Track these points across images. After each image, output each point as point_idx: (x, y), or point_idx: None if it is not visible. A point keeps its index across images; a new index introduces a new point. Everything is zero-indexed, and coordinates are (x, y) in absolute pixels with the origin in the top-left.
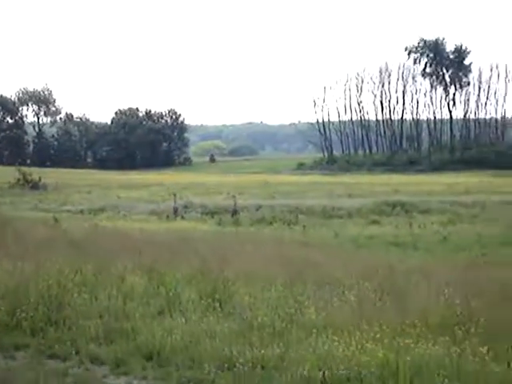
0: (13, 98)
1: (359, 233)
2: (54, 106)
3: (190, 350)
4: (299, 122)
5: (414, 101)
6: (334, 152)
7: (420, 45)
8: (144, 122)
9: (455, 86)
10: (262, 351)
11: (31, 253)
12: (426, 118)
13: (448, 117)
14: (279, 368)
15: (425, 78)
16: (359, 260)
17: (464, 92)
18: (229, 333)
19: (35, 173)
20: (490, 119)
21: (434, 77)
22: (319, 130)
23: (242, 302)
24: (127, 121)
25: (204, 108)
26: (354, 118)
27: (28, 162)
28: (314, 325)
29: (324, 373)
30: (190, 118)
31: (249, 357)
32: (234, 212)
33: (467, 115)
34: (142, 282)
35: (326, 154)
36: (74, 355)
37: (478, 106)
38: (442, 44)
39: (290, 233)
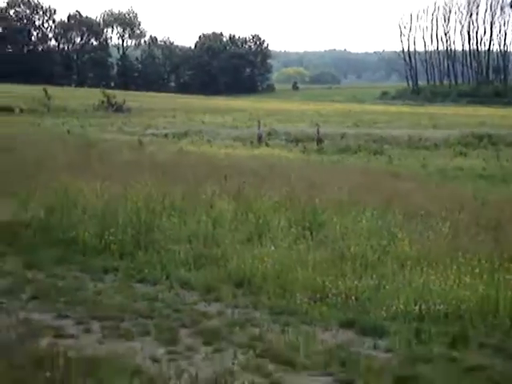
0: (98, 20)
1: (446, 164)
2: (139, 29)
3: (281, 278)
4: (383, 50)
5: (502, 32)
6: (419, 82)
7: None
8: (227, 47)
9: None
10: (356, 282)
11: (118, 175)
12: None
13: None
14: (373, 300)
15: None
16: (449, 192)
17: None
18: (320, 262)
19: (119, 95)
20: None
21: None
22: (404, 59)
23: (334, 230)
24: (211, 45)
25: (286, 34)
26: (440, 48)
27: (112, 84)
28: (408, 257)
29: (421, 307)
30: (272, 44)
31: (342, 288)
32: (319, 140)
33: None
34: (230, 207)
35: (410, 84)
36: (164, 280)
37: None
38: None
39: (375, 162)
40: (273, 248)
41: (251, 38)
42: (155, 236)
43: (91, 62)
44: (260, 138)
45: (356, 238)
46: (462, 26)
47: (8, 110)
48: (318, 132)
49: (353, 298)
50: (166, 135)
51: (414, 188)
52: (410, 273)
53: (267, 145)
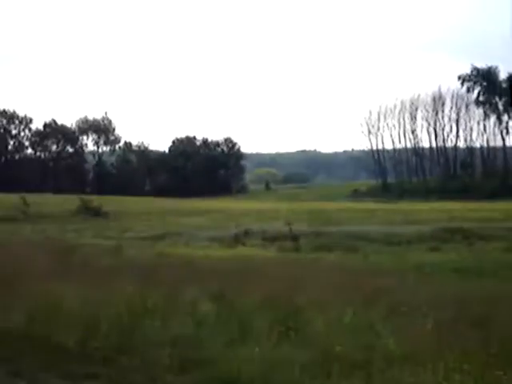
0: (73, 128)
1: (422, 259)
2: (114, 135)
3: (268, 380)
4: (352, 149)
5: (468, 129)
6: (388, 179)
7: (473, 73)
8: (201, 150)
9: (508, 115)
10: (343, 382)
11: (99, 280)
12: (479, 146)
13: (502, 144)
14: None
15: (478, 106)
16: (428, 287)
17: None
18: (306, 362)
19: (96, 200)
20: None
21: (488, 105)
22: (373, 157)
23: (318, 329)
24: (184, 149)
25: (258, 136)
26: (408, 145)
27: (88, 189)
28: (395, 355)
29: None
30: (245, 146)
31: None
32: (294, 238)
33: None
34: (212, 309)
35: (380, 181)
36: None
37: None
38: (495, 72)
39: (352, 260)
40: (257, 349)
41: (224, 141)
42: (139, 340)
43: (67, 168)
44: (237, 238)
45: (341, 336)
46: (429, 124)
47: None
48: (291, 230)
49: None
50: (143, 238)
51: (393, 284)
52: (398, 371)
53: (244, 244)
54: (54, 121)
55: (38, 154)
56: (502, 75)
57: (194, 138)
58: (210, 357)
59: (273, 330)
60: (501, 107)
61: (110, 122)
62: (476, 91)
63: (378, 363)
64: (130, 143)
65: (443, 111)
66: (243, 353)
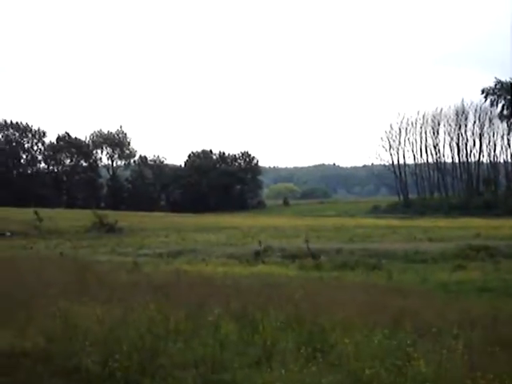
0: (87, 141)
1: (447, 278)
2: (128, 149)
3: None
4: (372, 164)
5: (491, 143)
6: (410, 195)
7: (497, 87)
8: (217, 165)
9: None
10: None
11: (117, 298)
12: (503, 161)
13: None
14: None
15: (502, 120)
16: (456, 307)
17: None
18: None
19: (110, 216)
20: None
21: None
22: (394, 173)
23: (345, 352)
24: (201, 163)
25: (276, 150)
26: (430, 161)
27: (102, 204)
28: (425, 378)
29: None
30: (262, 160)
31: None
32: (314, 256)
33: None
34: (235, 329)
35: (401, 197)
36: None
37: None
38: None
39: (375, 278)
40: (283, 371)
41: (241, 155)
42: (161, 362)
43: (81, 183)
44: (256, 255)
45: (369, 359)
46: (452, 138)
47: None
48: (309, 248)
49: None
50: (160, 255)
51: (420, 304)
52: None
53: (263, 262)
54: (68, 134)
55: (51, 167)
56: None
57: (211, 151)
58: (235, 379)
59: (299, 352)
60: None
61: (124, 135)
62: (500, 105)
63: None
64: (146, 157)
65: (466, 125)
66: (269, 375)
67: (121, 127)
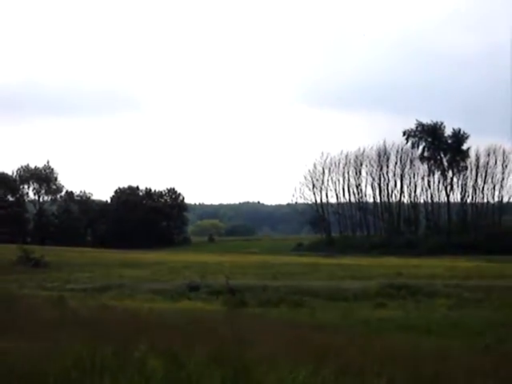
0: (14, 176)
1: (369, 316)
2: (55, 184)
3: None
4: (296, 202)
5: (412, 184)
6: (332, 233)
7: (418, 129)
8: (144, 201)
9: (453, 171)
10: None
11: (43, 333)
12: (423, 201)
13: (445, 200)
14: None
15: (423, 162)
16: (377, 344)
17: (461, 176)
18: None
19: (37, 250)
20: (487, 203)
21: (432, 161)
22: (317, 211)
23: None
24: (127, 199)
25: (202, 187)
26: (352, 200)
27: (28, 239)
28: None
29: None
30: (188, 197)
31: None
32: (232, 292)
33: (464, 199)
34: (160, 365)
35: (324, 235)
36: None
37: (475, 191)
38: (440, 128)
39: (298, 315)
40: None
41: (167, 191)
42: None
43: (7, 217)
44: (181, 291)
45: None
46: (373, 179)
47: None
48: (228, 283)
49: None
50: (85, 290)
51: (343, 341)
52: None
53: (189, 298)
54: None
55: None
56: (448, 131)
57: (137, 187)
58: None
59: None
60: (445, 163)
61: (51, 170)
62: (421, 147)
63: None
64: (72, 192)
65: (388, 166)
66: None
67: (48, 162)
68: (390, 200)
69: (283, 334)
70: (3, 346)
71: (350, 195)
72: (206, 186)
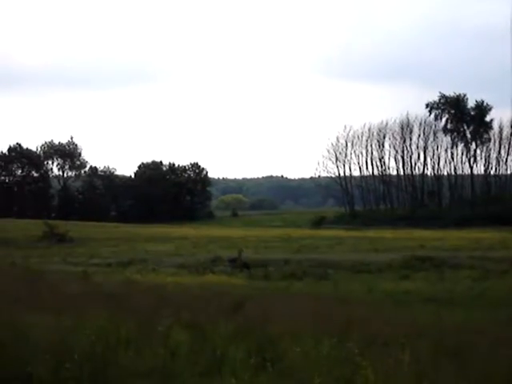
0: (38, 152)
1: (393, 288)
2: (79, 160)
3: None
4: (319, 176)
5: (436, 156)
6: (356, 206)
7: (441, 101)
8: (167, 176)
9: (476, 143)
10: None
11: (68, 307)
12: (447, 174)
13: (469, 172)
14: None
15: (446, 134)
16: (401, 316)
17: (485, 148)
18: None
19: (61, 226)
20: (511, 175)
21: (455, 133)
22: (340, 185)
23: (295, 361)
24: (151, 174)
25: (225, 161)
26: (376, 173)
27: (53, 215)
28: None
29: None
30: (211, 172)
31: None
32: (247, 266)
33: (488, 171)
34: (186, 338)
35: (347, 209)
36: None
37: (498, 162)
38: (463, 100)
39: (322, 288)
40: (233, 380)
41: (190, 166)
42: (112, 371)
43: (32, 193)
44: (205, 265)
45: (318, 368)
46: (397, 151)
47: None
48: (239, 257)
49: None
50: (110, 265)
51: (367, 314)
52: None
53: (213, 272)
54: (19, 145)
55: (2, 178)
56: (470, 103)
57: (161, 162)
58: None
59: (249, 361)
60: (468, 135)
61: (75, 146)
62: (444, 119)
63: None
64: (96, 168)
65: (411, 139)
66: None
67: (72, 138)
68: (414, 173)
69: (307, 306)
70: (29, 320)
71: (373, 168)
72: (229, 160)
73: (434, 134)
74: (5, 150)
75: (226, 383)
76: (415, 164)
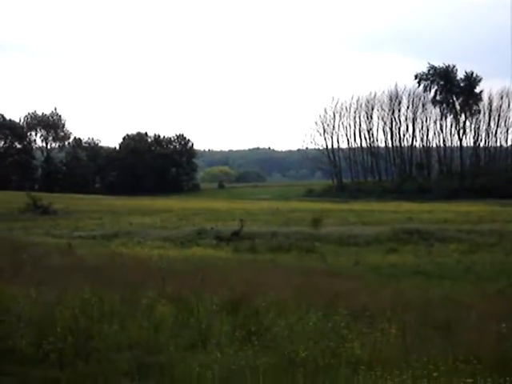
0: (21, 123)
1: (380, 261)
2: (63, 131)
3: None
4: (307, 148)
5: (424, 128)
6: (343, 179)
7: (430, 72)
8: (152, 148)
9: (465, 114)
10: None
11: (51, 280)
12: (435, 146)
13: (458, 144)
14: None
15: (435, 105)
16: (389, 290)
17: (474, 120)
18: (270, 368)
19: (45, 198)
20: (500, 147)
21: (445, 104)
22: (328, 157)
23: (280, 334)
24: (136, 146)
25: (211, 133)
26: (364, 145)
27: (36, 187)
28: (359, 360)
29: None
30: (197, 144)
31: None
32: (235, 233)
33: (477, 143)
34: (170, 312)
35: (335, 181)
36: None
37: (488, 134)
38: (453, 71)
39: (309, 261)
40: (219, 354)
41: (176, 137)
42: (96, 344)
43: (15, 164)
44: (191, 238)
45: (304, 340)
46: (385, 123)
47: None
48: (240, 229)
49: None
50: (94, 237)
51: (354, 287)
52: (363, 378)
53: (198, 244)
54: (2, 116)
55: None
56: (460, 74)
57: (146, 134)
58: (170, 361)
59: (234, 335)
60: (458, 107)
61: (59, 117)
62: (433, 90)
63: (344, 369)
64: (80, 139)
65: (399, 110)
66: (204, 358)
67: (55, 109)
68: (402, 144)
69: (294, 279)
70: (12, 291)
71: (361, 140)
72: (215, 132)
73: (423, 105)
74: None
75: (210, 356)
76: (404, 136)
